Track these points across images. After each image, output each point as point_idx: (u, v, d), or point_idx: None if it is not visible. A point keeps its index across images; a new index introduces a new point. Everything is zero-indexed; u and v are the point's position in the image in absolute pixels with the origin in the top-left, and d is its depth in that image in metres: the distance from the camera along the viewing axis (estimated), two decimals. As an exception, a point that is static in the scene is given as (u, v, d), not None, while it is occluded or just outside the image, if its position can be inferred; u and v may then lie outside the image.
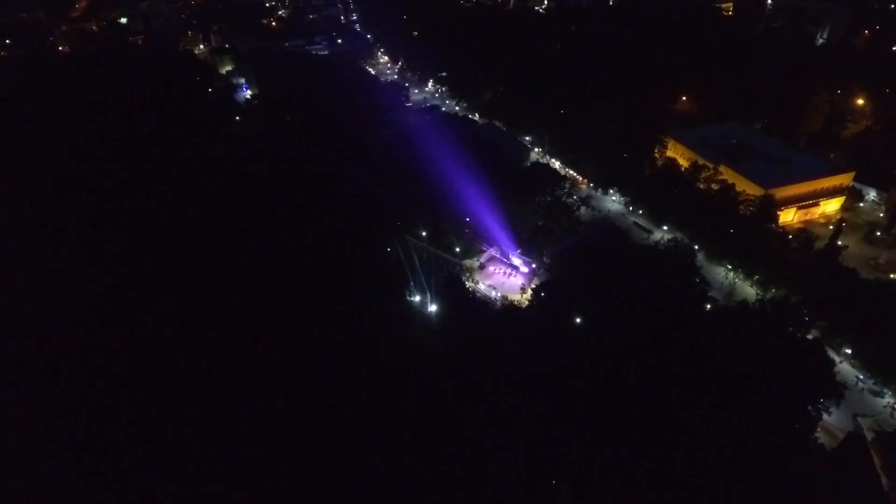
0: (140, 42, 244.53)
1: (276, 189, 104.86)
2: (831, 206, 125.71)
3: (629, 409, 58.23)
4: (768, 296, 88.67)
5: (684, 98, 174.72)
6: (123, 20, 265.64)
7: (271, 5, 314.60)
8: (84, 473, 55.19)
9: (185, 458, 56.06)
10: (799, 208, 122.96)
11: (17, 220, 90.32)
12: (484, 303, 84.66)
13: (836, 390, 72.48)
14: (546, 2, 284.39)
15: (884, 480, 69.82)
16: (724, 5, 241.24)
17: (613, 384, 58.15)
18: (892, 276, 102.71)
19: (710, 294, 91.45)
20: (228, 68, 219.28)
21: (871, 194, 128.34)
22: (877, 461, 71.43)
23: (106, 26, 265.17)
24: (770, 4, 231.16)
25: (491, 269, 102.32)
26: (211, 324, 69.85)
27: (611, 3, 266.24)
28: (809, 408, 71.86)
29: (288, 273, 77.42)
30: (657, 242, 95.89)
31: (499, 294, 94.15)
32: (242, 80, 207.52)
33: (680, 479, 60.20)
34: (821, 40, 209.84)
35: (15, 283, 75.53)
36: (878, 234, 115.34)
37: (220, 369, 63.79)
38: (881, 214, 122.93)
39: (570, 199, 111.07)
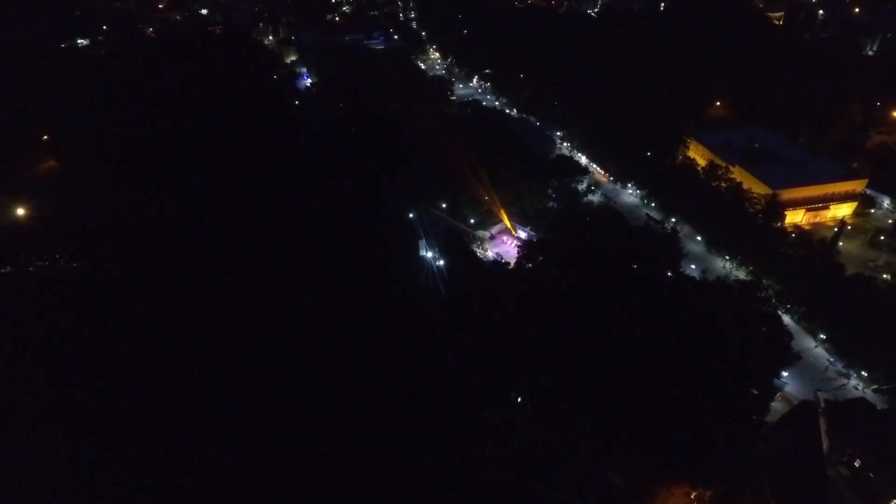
0: (218, 31, 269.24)
1: (326, 161, 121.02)
2: (843, 210, 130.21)
3: (593, 350, 69.12)
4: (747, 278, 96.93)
5: (718, 103, 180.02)
6: (204, 11, 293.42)
7: (337, 1, 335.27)
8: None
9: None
10: (808, 210, 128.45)
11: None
12: (482, 260, 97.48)
13: (790, 360, 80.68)
14: (599, 5, 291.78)
15: (826, 443, 77.99)
16: (775, 14, 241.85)
17: (580, 328, 69.24)
18: (884, 276, 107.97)
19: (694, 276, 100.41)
20: (293, 58, 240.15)
21: (886, 202, 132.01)
22: (823, 426, 79.42)
23: (188, 16, 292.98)
24: (822, 15, 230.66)
25: (499, 239, 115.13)
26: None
27: (661, 8, 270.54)
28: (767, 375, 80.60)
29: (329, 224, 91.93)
30: (645, 222, 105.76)
31: (502, 260, 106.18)
32: (304, 70, 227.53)
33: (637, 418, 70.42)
34: (870, 52, 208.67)
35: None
36: (882, 238, 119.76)
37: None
38: (890, 221, 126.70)
39: (578, 186, 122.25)
